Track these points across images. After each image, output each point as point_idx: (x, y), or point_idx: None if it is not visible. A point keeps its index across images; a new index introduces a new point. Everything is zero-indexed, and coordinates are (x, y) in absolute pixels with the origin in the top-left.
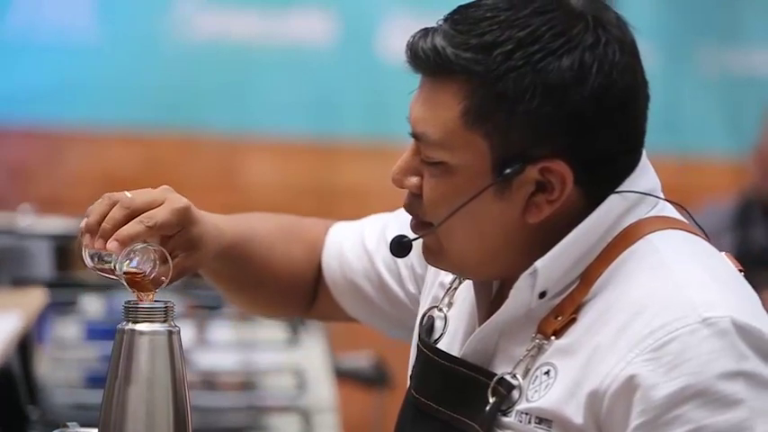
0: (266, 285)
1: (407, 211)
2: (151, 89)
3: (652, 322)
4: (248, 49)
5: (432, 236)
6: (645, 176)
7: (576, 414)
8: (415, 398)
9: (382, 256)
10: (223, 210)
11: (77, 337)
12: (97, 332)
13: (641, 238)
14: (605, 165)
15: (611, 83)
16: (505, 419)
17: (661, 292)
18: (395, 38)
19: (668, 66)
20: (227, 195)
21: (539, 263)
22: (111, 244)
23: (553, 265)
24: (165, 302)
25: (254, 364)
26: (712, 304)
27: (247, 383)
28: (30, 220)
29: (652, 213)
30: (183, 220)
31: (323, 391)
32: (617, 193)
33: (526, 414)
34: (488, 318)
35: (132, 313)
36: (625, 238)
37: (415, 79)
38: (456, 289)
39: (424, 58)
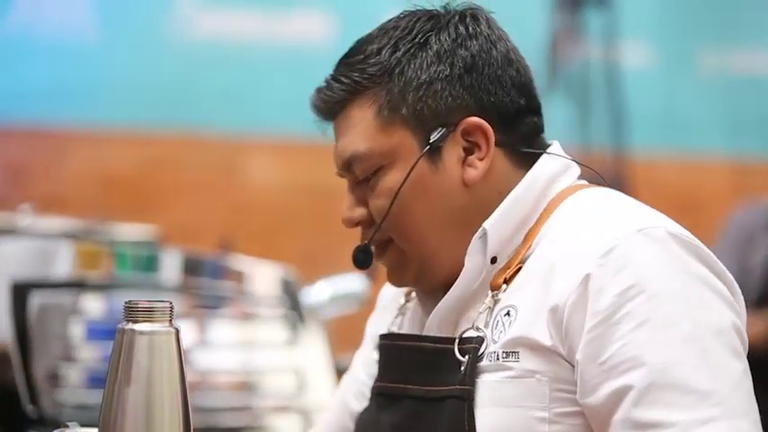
0: None
1: (364, 245)
2: (152, 89)
3: (596, 238)
4: (249, 48)
5: (392, 248)
6: (559, 156)
7: (542, 335)
8: (380, 386)
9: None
10: (223, 209)
11: (77, 336)
12: (97, 332)
13: (571, 195)
14: (516, 119)
15: (490, 45)
16: (479, 365)
17: (599, 217)
18: None
19: (668, 66)
20: (227, 195)
21: (486, 223)
22: None
23: (499, 226)
24: (165, 302)
25: (254, 364)
26: (646, 220)
27: (247, 383)
28: (29, 220)
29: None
30: None
31: (323, 391)
32: (546, 154)
33: (494, 353)
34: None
35: (132, 313)
36: (558, 198)
37: None
38: (404, 315)
39: (329, 98)
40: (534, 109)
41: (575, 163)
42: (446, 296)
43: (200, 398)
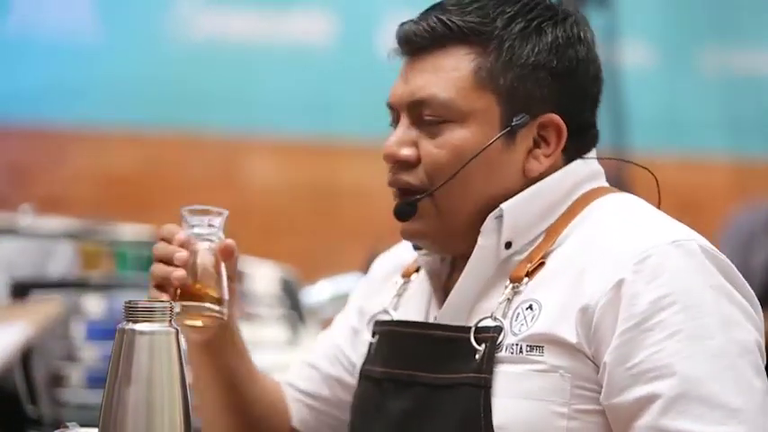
0: (244, 414)
1: (395, 184)
2: (152, 89)
3: (631, 244)
4: (248, 48)
5: (427, 200)
6: (595, 161)
7: (569, 332)
8: (386, 372)
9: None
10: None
11: (78, 336)
12: (97, 332)
13: (599, 198)
14: (582, 132)
15: (593, 56)
16: (498, 354)
17: (631, 223)
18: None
19: (668, 66)
20: (227, 195)
21: (504, 204)
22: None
23: (517, 211)
24: (165, 302)
25: None
26: (677, 232)
27: None
28: (30, 220)
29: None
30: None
31: None
32: (581, 158)
33: (516, 345)
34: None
35: (132, 313)
36: (584, 200)
37: None
38: (401, 296)
39: (426, 33)
40: (595, 123)
41: (603, 171)
42: (460, 282)
43: None
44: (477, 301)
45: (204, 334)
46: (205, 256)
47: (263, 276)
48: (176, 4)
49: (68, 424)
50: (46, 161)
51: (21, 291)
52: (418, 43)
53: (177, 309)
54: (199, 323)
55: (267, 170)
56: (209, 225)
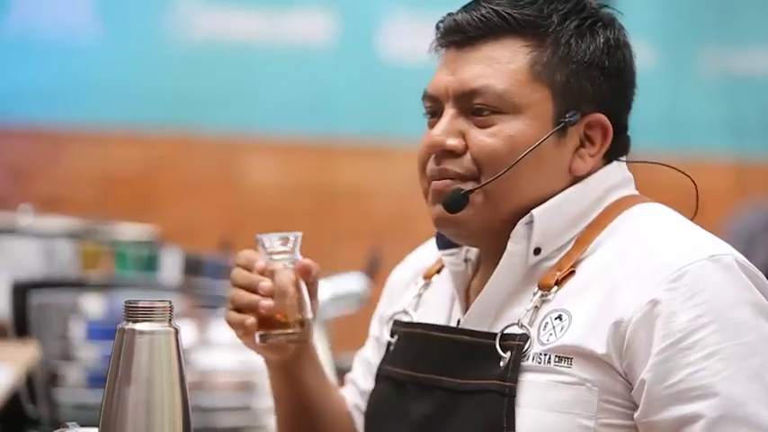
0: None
1: (439, 176)
2: (151, 89)
3: (666, 259)
4: (248, 48)
5: (478, 190)
6: (626, 166)
7: (599, 346)
8: (408, 375)
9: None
10: (223, 209)
11: (78, 336)
12: (97, 332)
13: (631, 207)
14: (620, 135)
15: (632, 60)
16: (523, 363)
17: (667, 236)
18: (395, 38)
19: (668, 66)
20: (226, 195)
21: (535, 210)
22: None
23: (548, 217)
24: (165, 302)
25: (254, 364)
26: (714, 246)
27: (247, 383)
28: (30, 220)
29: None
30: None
31: None
32: (617, 161)
33: (544, 354)
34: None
35: (132, 313)
36: (616, 207)
37: (415, 78)
38: (421, 296)
39: (480, 24)
40: (628, 127)
41: (632, 178)
42: (487, 287)
43: (200, 398)
44: (503, 307)
45: (284, 354)
46: (285, 279)
47: None
48: (176, 4)
49: (68, 424)
50: (46, 161)
51: (21, 291)
52: (470, 33)
53: (259, 333)
54: (282, 344)
55: (267, 170)
56: (285, 247)
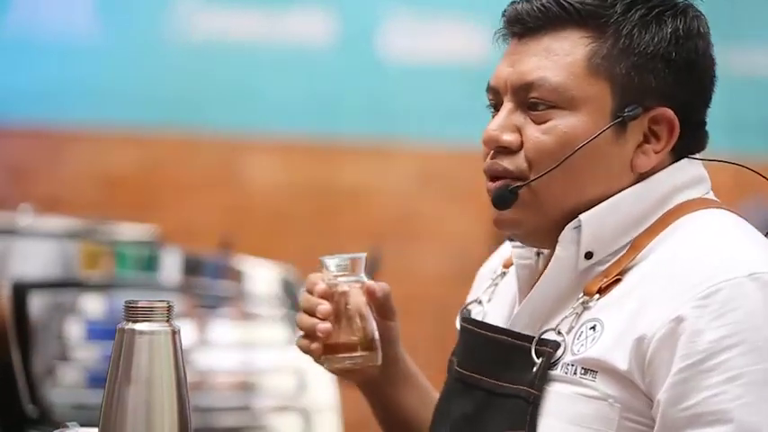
0: None
1: (493, 173)
2: (151, 89)
3: (701, 274)
4: (249, 48)
5: (527, 188)
6: (701, 164)
7: (621, 360)
8: (459, 372)
9: None
10: (223, 209)
11: (78, 337)
12: (97, 332)
13: (695, 211)
14: (693, 131)
15: (711, 52)
16: (551, 372)
17: (709, 250)
18: (395, 38)
19: None
20: (226, 195)
21: (582, 216)
22: None
23: (598, 221)
24: (165, 302)
25: (254, 364)
26: (757, 262)
27: (247, 383)
28: (30, 220)
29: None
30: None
31: (323, 391)
32: (687, 158)
33: (572, 365)
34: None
35: (132, 313)
36: (679, 210)
37: (416, 79)
38: (497, 285)
39: (539, 14)
40: (705, 123)
41: (707, 177)
42: (534, 289)
43: (200, 398)
44: (552, 311)
45: (359, 376)
46: (351, 301)
47: (263, 276)
48: (176, 4)
49: (68, 424)
50: (46, 161)
51: (21, 291)
52: (529, 24)
53: (324, 357)
54: (349, 368)
55: (267, 170)
56: (350, 269)
